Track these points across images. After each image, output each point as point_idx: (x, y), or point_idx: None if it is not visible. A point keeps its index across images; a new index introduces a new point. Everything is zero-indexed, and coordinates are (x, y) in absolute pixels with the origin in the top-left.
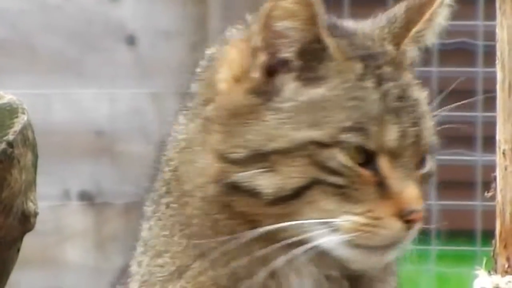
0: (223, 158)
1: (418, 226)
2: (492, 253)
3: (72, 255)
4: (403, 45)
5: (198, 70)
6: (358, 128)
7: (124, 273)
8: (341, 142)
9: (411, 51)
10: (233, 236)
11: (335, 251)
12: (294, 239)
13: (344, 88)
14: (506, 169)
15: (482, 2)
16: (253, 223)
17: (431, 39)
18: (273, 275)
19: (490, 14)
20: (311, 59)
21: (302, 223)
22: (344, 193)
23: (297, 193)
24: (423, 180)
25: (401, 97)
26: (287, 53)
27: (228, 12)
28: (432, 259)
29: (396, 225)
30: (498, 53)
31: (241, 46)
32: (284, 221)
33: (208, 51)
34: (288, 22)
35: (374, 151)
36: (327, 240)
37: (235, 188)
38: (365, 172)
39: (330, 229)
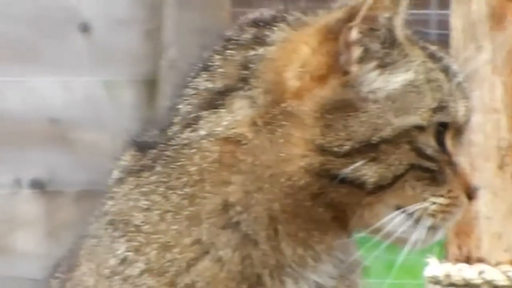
0: (324, 151)
1: None
2: (443, 241)
3: (23, 243)
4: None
5: (226, 67)
6: (443, 107)
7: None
8: (433, 125)
9: None
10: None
11: (412, 236)
12: (381, 229)
13: (423, 71)
14: None
15: None
16: (343, 213)
17: None
18: (272, 276)
19: (444, 3)
20: (388, 46)
21: (404, 210)
22: (432, 177)
23: (395, 181)
24: None
25: (457, 72)
26: (376, 43)
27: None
28: (382, 247)
29: (465, 202)
30: (452, 42)
31: (312, 41)
32: (366, 210)
33: (274, 35)
34: (386, 13)
35: (449, 129)
36: (410, 227)
37: (334, 179)
38: (445, 154)
39: (407, 216)
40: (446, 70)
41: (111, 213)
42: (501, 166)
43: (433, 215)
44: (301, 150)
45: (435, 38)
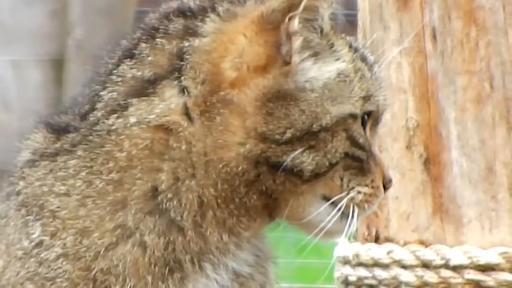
0: (265, 138)
1: None
2: None
3: None
4: None
5: (157, 55)
6: (369, 96)
7: None
8: (363, 113)
9: None
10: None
11: (331, 226)
12: (308, 218)
13: (351, 60)
14: None
15: None
16: (275, 201)
17: None
18: (193, 261)
19: None
20: (321, 36)
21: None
22: (359, 166)
23: (330, 169)
24: None
25: (373, 63)
26: (314, 33)
27: None
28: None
29: (383, 192)
30: (359, 23)
31: (249, 33)
32: (296, 199)
33: (206, 26)
34: (324, 3)
35: (369, 119)
36: (335, 216)
37: (273, 167)
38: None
39: (333, 206)
40: (365, 60)
41: (24, 194)
42: (409, 147)
43: (358, 205)
44: (240, 137)
45: (343, 18)
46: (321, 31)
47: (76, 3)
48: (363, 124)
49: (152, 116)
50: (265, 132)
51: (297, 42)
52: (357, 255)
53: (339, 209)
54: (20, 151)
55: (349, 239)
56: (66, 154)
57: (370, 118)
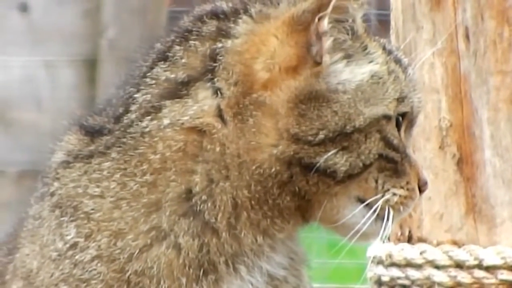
0: (298, 140)
1: None
2: None
3: None
4: None
5: (191, 57)
6: (403, 98)
7: (11, 239)
8: (397, 115)
9: None
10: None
11: (366, 228)
12: (343, 220)
13: (385, 62)
14: None
15: None
16: (308, 202)
17: None
18: (227, 263)
19: None
20: (352, 37)
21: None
22: (394, 168)
23: (363, 170)
24: None
25: (407, 65)
26: (345, 33)
27: None
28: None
29: (418, 194)
30: (392, 23)
31: (288, 35)
32: (331, 200)
33: (239, 27)
34: (355, 3)
35: (404, 120)
36: (370, 219)
37: (306, 168)
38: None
39: (368, 207)
40: (399, 62)
41: (58, 195)
42: (442, 147)
43: (393, 207)
44: (273, 139)
45: (375, 18)
46: (354, 33)
47: (108, 3)
48: (398, 126)
49: (185, 118)
50: (297, 133)
51: (327, 42)
52: (390, 255)
53: (374, 211)
54: (54, 152)
55: (382, 239)
56: (100, 156)
57: (404, 119)
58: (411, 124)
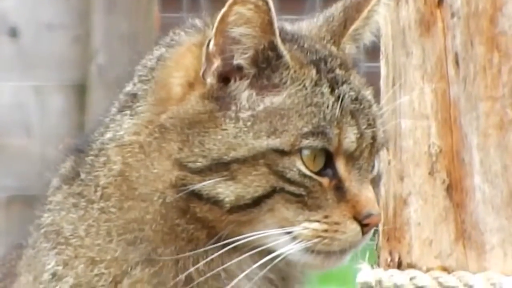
0: (183, 166)
1: (372, 230)
2: (375, 247)
3: None
4: (342, 44)
5: (142, 70)
6: (318, 133)
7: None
8: (301, 150)
9: (350, 50)
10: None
11: (295, 258)
12: (259, 248)
13: (302, 95)
14: (389, 163)
15: None
16: (213, 229)
17: (369, 37)
18: (217, 277)
19: None
20: (266, 66)
21: (263, 233)
22: (303, 201)
23: (257, 202)
24: (374, 183)
25: (356, 99)
26: (241, 59)
27: (112, 5)
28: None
29: (353, 228)
30: (382, 48)
31: (195, 50)
32: (244, 228)
33: (156, 51)
34: (243, 28)
35: (333, 154)
36: (287, 248)
37: (195, 196)
38: (323, 179)
39: (290, 237)
40: (338, 97)
41: (45, 225)
42: (431, 173)
43: (310, 240)
44: (168, 165)
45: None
46: (262, 60)
47: (98, 29)
48: (322, 159)
49: (121, 132)
50: (179, 159)
51: (214, 64)
52: (379, 281)
53: (299, 242)
54: (50, 179)
55: (372, 265)
56: (77, 177)
57: (338, 154)
58: (352, 158)
